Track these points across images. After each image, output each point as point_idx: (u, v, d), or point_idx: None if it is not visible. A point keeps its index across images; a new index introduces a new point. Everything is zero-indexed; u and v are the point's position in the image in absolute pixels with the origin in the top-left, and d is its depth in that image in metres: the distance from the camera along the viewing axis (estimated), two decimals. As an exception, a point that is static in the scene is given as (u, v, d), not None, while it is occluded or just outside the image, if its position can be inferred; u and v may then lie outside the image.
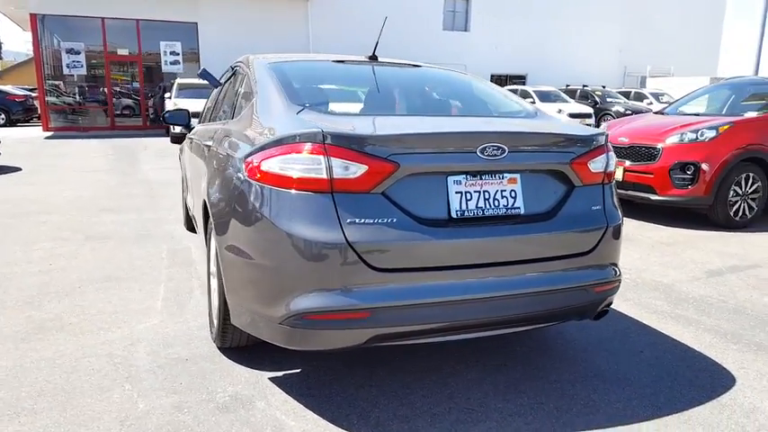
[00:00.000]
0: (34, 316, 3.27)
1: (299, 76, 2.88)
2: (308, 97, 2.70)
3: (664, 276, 4.28)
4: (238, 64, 3.54)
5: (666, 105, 7.93)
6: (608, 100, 19.58)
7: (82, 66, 18.54)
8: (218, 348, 2.89)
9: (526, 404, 2.44)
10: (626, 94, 21.58)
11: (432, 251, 2.16)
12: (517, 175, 2.33)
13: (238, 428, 2.22)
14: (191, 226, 5.30)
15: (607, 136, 2.56)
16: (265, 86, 2.75)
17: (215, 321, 2.79)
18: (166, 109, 15.15)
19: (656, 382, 2.65)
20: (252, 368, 2.71)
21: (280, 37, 20.63)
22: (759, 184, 6.06)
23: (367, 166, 2.10)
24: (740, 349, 3.03)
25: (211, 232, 2.88)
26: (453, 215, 2.22)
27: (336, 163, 2.09)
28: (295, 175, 2.12)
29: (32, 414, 2.28)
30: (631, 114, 15.71)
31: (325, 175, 2.09)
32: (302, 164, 2.11)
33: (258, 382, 2.58)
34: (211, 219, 2.65)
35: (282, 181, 2.15)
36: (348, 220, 2.09)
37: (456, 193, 2.23)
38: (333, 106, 2.75)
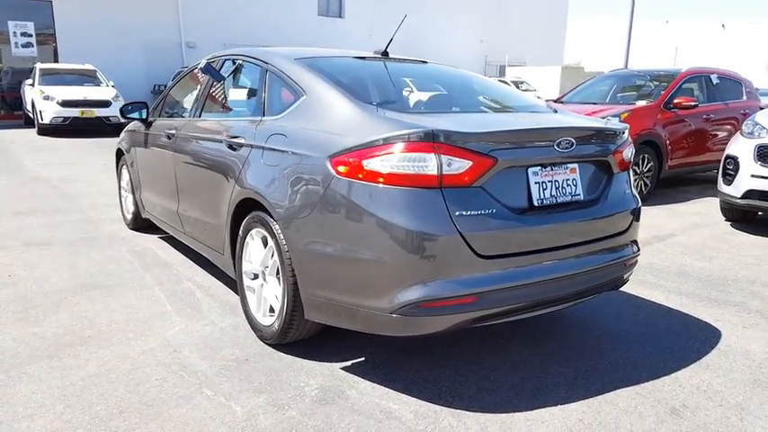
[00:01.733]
0: (41, 332, 3.00)
1: (341, 73, 2.92)
2: (365, 95, 2.77)
3: (608, 249, 4.87)
4: (242, 57, 3.46)
5: (563, 95, 8.77)
6: (478, 88, 20.84)
7: None
8: (271, 346, 2.88)
9: (582, 367, 2.76)
10: (491, 82, 23.13)
11: (524, 237, 2.39)
12: (576, 165, 2.63)
13: (351, 417, 2.30)
14: (139, 225, 5.02)
15: (629, 129, 2.94)
16: (315, 84, 2.77)
17: (274, 319, 2.79)
18: (27, 96, 13.66)
19: (664, 337, 3.11)
20: (318, 361, 2.75)
21: (148, 20, 19.35)
22: (652, 164, 7.00)
23: (471, 162, 2.27)
24: (706, 305, 3.62)
25: (250, 230, 2.89)
26: (535, 203, 2.46)
27: (446, 160, 2.23)
28: (405, 171, 2.22)
29: (132, 430, 2.17)
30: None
31: (435, 172, 2.22)
32: (413, 161, 2.22)
33: (334, 374, 2.64)
34: (275, 218, 2.64)
35: (391, 178, 2.24)
36: (457, 213, 2.25)
37: (535, 183, 2.47)
38: (396, 104, 2.84)
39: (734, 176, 5.47)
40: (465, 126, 2.36)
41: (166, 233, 4.92)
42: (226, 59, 3.63)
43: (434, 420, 2.30)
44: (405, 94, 3.06)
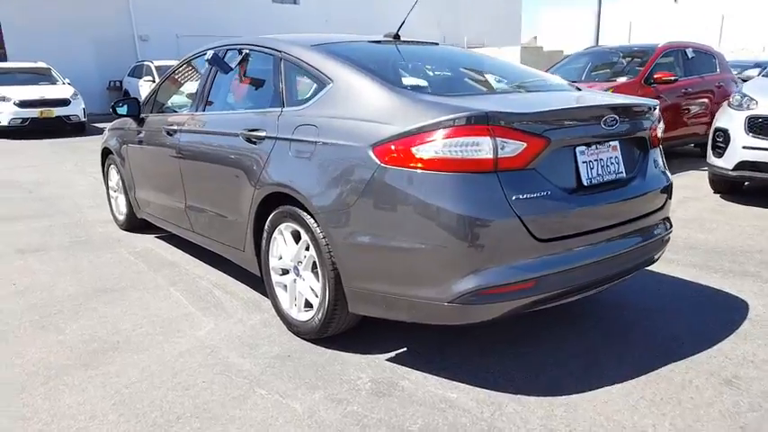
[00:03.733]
0: (66, 341, 2.86)
1: (364, 58, 2.83)
2: (396, 80, 2.69)
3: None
4: (249, 47, 3.32)
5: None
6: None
7: None
8: (309, 341, 2.81)
9: (623, 343, 2.77)
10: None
11: (577, 217, 2.37)
12: (617, 143, 2.62)
13: (414, 408, 2.25)
14: (132, 226, 4.84)
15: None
16: (342, 71, 2.68)
17: (312, 314, 2.71)
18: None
19: (693, 310, 3.15)
20: (361, 354, 2.70)
21: (98, 14, 18.68)
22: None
23: (526, 144, 2.23)
24: (722, 276, 3.68)
25: (278, 225, 2.84)
26: (584, 183, 2.44)
27: (501, 143, 2.18)
28: (459, 156, 2.17)
29: (193, 437, 2.09)
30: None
31: (490, 156, 2.18)
32: (467, 146, 2.17)
33: (381, 366, 2.59)
34: (311, 211, 2.56)
35: (443, 164, 2.18)
36: (513, 197, 2.21)
37: (583, 162, 2.45)
38: (429, 88, 2.77)
39: (725, 149, 5.58)
40: (514, 107, 2.32)
41: (163, 232, 4.77)
42: (229, 49, 3.49)
43: (498, 407, 2.27)
44: (433, 76, 3.00)
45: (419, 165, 2.22)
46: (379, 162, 2.31)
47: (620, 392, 2.37)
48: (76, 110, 12.81)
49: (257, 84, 3.28)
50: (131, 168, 4.46)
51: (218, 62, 3.44)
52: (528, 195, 2.24)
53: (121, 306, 3.29)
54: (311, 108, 2.73)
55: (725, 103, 6.03)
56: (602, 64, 8.40)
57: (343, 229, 2.45)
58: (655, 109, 2.80)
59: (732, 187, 6.00)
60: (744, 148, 5.42)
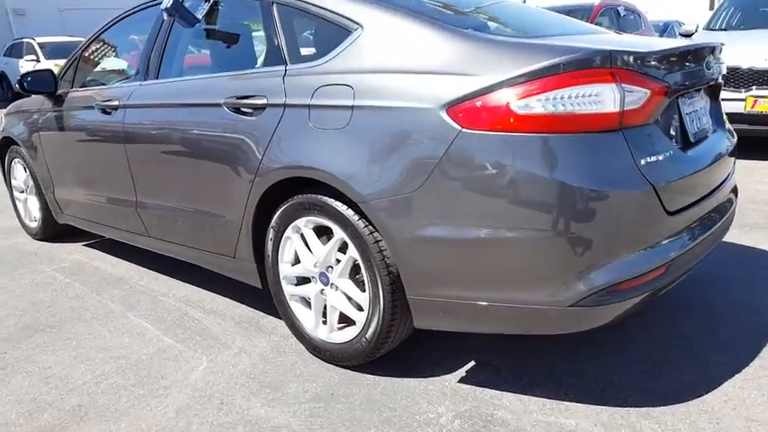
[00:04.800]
0: (1, 417, 2.02)
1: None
2: (448, 20, 2.07)
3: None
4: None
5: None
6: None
7: None
8: (348, 368, 2.19)
9: (709, 323, 2.38)
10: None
11: (698, 181, 1.92)
12: (701, 92, 2.20)
13: (535, 450, 1.72)
14: (50, 234, 3.91)
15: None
16: (373, 13, 2.02)
17: (356, 334, 2.09)
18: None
19: (737, 271, 2.83)
20: (423, 377, 2.12)
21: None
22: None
23: (649, 91, 1.73)
24: (742, 231, 3.43)
25: (292, 221, 2.19)
26: (691, 139, 1.99)
27: (626, 91, 1.66)
28: (575, 111, 1.63)
29: None
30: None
31: (615, 108, 1.65)
32: (586, 96, 1.63)
33: (458, 392, 2.02)
34: (355, 199, 1.92)
35: (554, 123, 1.63)
36: (642, 161, 1.70)
37: (686, 114, 2.00)
38: (491, 29, 2.17)
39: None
40: (627, 46, 1.81)
41: (93, 238, 3.88)
42: None
43: (631, 430, 1.79)
44: (483, 18, 2.39)
45: (520, 126, 1.65)
46: (459, 127, 1.72)
47: (749, 384, 1.97)
48: None
49: (239, 38, 2.53)
50: (48, 161, 3.52)
51: (178, 12, 2.62)
52: (654, 158, 1.74)
53: (68, 349, 2.46)
54: (334, 63, 2.05)
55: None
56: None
57: (409, 221, 1.83)
58: (721, 52, 2.41)
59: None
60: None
